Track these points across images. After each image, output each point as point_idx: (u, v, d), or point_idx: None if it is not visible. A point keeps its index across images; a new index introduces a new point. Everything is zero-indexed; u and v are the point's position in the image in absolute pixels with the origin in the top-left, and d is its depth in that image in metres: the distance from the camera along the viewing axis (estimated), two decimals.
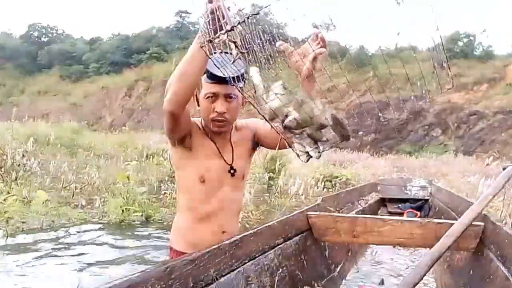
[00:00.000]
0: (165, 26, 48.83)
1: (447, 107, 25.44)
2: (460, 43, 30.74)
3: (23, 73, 48.01)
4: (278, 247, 1.92)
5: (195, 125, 1.69)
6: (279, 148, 1.73)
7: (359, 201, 4.31)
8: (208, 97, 1.60)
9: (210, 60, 1.52)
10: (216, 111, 1.60)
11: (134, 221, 5.35)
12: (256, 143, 1.81)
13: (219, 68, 1.37)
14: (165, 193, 6.59)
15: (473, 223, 1.89)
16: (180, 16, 48.11)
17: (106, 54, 45.19)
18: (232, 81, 1.40)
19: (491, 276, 1.82)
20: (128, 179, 5.89)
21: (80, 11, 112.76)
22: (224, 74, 1.53)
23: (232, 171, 1.72)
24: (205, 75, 1.58)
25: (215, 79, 1.57)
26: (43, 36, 53.33)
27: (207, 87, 1.60)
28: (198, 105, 1.65)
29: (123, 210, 5.46)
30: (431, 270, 1.77)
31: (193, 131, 1.67)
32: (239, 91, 1.55)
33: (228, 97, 1.61)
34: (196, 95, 1.64)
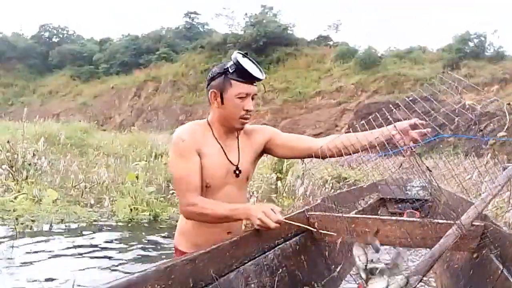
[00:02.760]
0: (174, 26, 49.05)
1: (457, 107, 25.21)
2: (471, 44, 30.45)
3: (34, 73, 48.46)
4: (278, 247, 1.93)
5: (197, 130, 1.71)
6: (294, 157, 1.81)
7: (359, 201, 4.31)
8: (241, 97, 1.65)
9: (244, 61, 1.61)
10: (246, 109, 1.66)
11: (142, 220, 5.41)
12: (265, 149, 1.86)
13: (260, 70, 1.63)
14: (173, 192, 6.64)
15: (473, 223, 1.89)
16: (189, 17, 48.28)
17: (115, 55, 45.45)
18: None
19: (491, 276, 1.82)
20: (137, 179, 5.95)
21: (90, 12, 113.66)
22: (260, 76, 1.65)
23: (237, 172, 1.75)
24: (234, 74, 1.63)
25: (251, 79, 1.65)
26: (54, 36, 53.79)
27: (240, 87, 1.64)
28: (223, 103, 1.66)
29: (131, 209, 5.53)
30: (431, 270, 1.79)
31: (199, 140, 1.68)
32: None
33: (253, 97, 1.68)
34: (221, 94, 1.65)
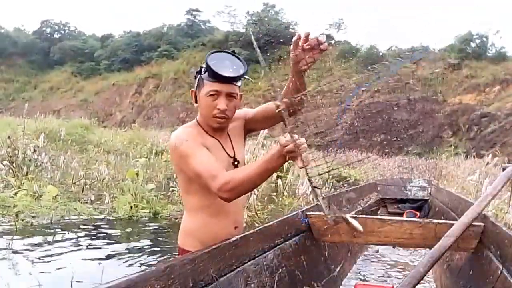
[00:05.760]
0: (176, 24, 48.91)
1: (458, 108, 25.22)
2: (473, 44, 30.38)
3: (35, 69, 48.48)
4: (277, 247, 1.93)
5: (192, 132, 1.72)
6: (272, 124, 1.81)
7: (359, 201, 4.32)
8: (210, 95, 1.66)
9: (214, 60, 1.61)
10: (218, 108, 1.66)
11: (142, 217, 5.41)
12: (247, 130, 1.88)
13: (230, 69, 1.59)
14: (173, 190, 6.64)
15: (473, 223, 1.89)
16: (191, 14, 48.18)
17: (117, 51, 45.40)
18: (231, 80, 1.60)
19: (491, 276, 1.82)
20: (137, 176, 5.95)
21: (92, 8, 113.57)
22: (228, 74, 1.61)
23: (236, 163, 1.76)
24: (206, 74, 1.65)
25: (219, 78, 1.64)
26: (56, 32, 53.75)
27: (209, 86, 1.65)
28: (196, 102, 1.73)
29: (131, 207, 5.53)
30: (431, 270, 1.78)
31: (198, 139, 1.68)
32: None
33: (229, 95, 1.67)
34: (195, 93, 1.71)
